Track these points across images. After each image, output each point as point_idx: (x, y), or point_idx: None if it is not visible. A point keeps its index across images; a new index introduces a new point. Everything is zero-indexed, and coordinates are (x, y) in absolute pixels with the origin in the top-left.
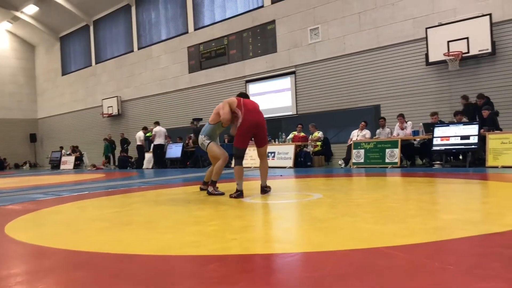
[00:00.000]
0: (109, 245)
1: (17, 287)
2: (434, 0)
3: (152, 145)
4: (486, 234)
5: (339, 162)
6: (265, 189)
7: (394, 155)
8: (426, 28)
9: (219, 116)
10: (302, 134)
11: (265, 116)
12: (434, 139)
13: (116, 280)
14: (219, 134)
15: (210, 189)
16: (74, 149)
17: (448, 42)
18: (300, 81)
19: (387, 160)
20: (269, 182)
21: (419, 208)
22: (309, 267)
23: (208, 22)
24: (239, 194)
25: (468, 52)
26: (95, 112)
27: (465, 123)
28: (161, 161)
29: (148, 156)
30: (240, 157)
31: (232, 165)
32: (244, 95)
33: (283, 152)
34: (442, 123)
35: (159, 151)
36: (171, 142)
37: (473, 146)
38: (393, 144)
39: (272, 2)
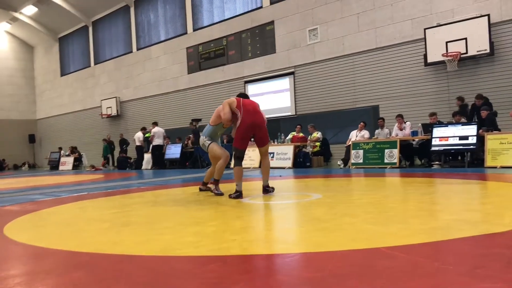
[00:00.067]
0: (108, 246)
1: None
2: (432, 1)
3: (151, 146)
4: (485, 234)
5: (338, 163)
6: (267, 189)
7: (393, 155)
8: (425, 29)
9: (219, 118)
10: (301, 134)
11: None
12: (433, 140)
13: (116, 281)
14: (220, 135)
15: (212, 187)
16: (73, 150)
17: (447, 42)
18: (299, 82)
19: (386, 161)
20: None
21: (419, 209)
22: (309, 267)
23: (207, 23)
24: (238, 194)
25: (466, 53)
26: (94, 113)
27: (463, 124)
28: (160, 162)
29: (147, 156)
30: (239, 158)
31: (232, 166)
32: (243, 96)
33: (282, 153)
34: (440, 124)
35: (158, 152)
36: (170, 142)
37: (471, 147)
38: (392, 145)
39: (271, 3)
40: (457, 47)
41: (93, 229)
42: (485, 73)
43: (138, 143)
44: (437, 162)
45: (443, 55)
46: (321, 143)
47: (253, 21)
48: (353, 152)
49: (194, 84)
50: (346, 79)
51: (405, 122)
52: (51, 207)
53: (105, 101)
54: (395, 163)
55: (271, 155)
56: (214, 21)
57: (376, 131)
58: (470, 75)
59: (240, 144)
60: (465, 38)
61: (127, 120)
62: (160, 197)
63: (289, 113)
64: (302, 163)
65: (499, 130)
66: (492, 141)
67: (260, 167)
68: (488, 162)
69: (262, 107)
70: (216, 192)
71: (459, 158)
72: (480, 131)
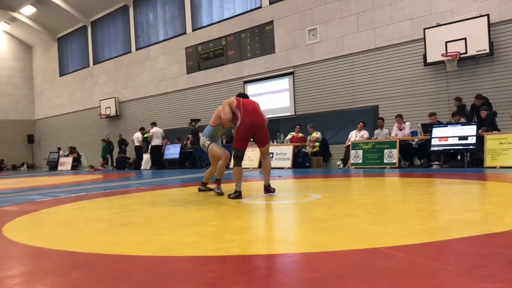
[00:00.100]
0: (107, 246)
1: None
2: (432, 0)
3: (149, 147)
4: (485, 234)
5: (338, 163)
6: (268, 188)
7: (392, 155)
8: (424, 29)
9: (220, 118)
10: (300, 134)
11: None
12: (432, 140)
13: (115, 281)
14: (220, 135)
15: (214, 186)
16: (72, 150)
17: (446, 42)
18: (298, 82)
19: (385, 161)
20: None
21: (418, 209)
22: (308, 267)
23: (206, 23)
24: (237, 195)
25: (466, 53)
26: (93, 113)
27: (463, 124)
28: (159, 162)
29: (146, 157)
30: (239, 158)
31: (231, 166)
32: (243, 95)
33: (281, 153)
34: (440, 124)
35: (157, 152)
36: (168, 143)
37: (471, 147)
38: (391, 145)
39: (270, 3)
40: (457, 47)
41: (92, 229)
42: (485, 73)
43: (137, 144)
44: (436, 162)
45: (442, 55)
46: (321, 143)
47: (252, 21)
48: (352, 152)
49: (193, 84)
50: (346, 79)
51: (404, 122)
52: (50, 207)
53: (104, 101)
54: (394, 163)
55: (270, 155)
56: (213, 21)
57: (376, 131)
58: (469, 75)
59: (240, 144)
60: (465, 38)
61: (126, 120)
62: (159, 197)
63: (289, 113)
64: (301, 163)
65: (498, 130)
66: (491, 141)
67: (259, 167)
68: (488, 162)
69: (261, 107)
70: (217, 191)
71: (459, 158)
72: (480, 131)
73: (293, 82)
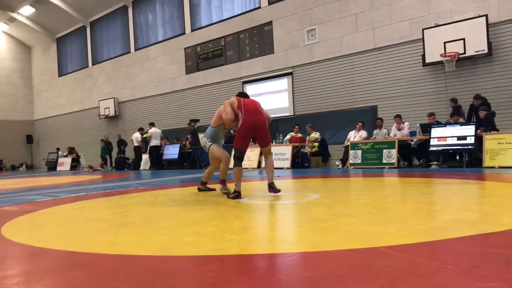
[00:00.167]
0: (107, 246)
1: None
2: (430, 1)
3: (148, 147)
4: (484, 234)
5: (337, 163)
6: (272, 186)
7: (391, 155)
8: (423, 29)
9: (221, 119)
10: (299, 135)
11: None
12: (431, 140)
13: (115, 281)
14: (222, 136)
15: (220, 187)
16: (71, 151)
17: (445, 43)
18: (297, 82)
19: (384, 161)
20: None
21: (417, 209)
22: (307, 267)
23: (205, 23)
24: (237, 195)
25: (464, 53)
26: (92, 114)
27: (462, 124)
28: (158, 162)
29: (145, 157)
30: (239, 158)
31: (231, 166)
32: (244, 95)
33: (280, 153)
34: (439, 124)
35: (155, 152)
36: (167, 143)
37: (470, 147)
38: (390, 145)
39: (269, 3)
40: (455, 48)
41: (91, 229)
42: (483, 73)
43: (136, 144)
44: (435, 162)
45: (441, 55)
46: (320, 143)
47: (251, 21)
48: (351, 152)
49: (192, 85)
50: (345, 80)
51: (403, 122)
52: (49, 207)
53: (103, 101)
54: (393, 163)
55: None
56: (212, 22)
57: (374, 131)
58: (468, 75)
59: (241, 145)
60: (463, 39)
61: (125, 120)
62: (159, 197)
63: (288, 114)
64: (300, 163)
65: (497, 130)
66: (490, 141)
67: (259, 167)
68: (486, 162)
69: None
70: (224, 191)
71: (457, 158)
72: (478, 131)
73: (292, 82)
